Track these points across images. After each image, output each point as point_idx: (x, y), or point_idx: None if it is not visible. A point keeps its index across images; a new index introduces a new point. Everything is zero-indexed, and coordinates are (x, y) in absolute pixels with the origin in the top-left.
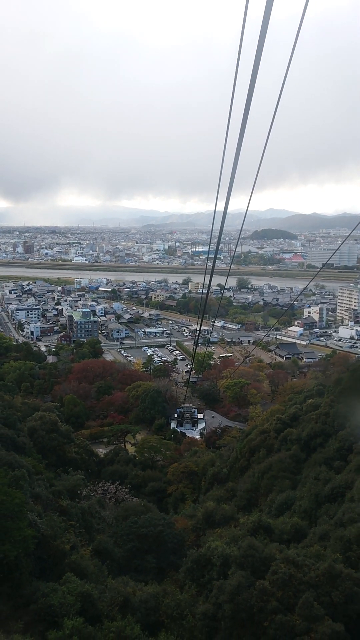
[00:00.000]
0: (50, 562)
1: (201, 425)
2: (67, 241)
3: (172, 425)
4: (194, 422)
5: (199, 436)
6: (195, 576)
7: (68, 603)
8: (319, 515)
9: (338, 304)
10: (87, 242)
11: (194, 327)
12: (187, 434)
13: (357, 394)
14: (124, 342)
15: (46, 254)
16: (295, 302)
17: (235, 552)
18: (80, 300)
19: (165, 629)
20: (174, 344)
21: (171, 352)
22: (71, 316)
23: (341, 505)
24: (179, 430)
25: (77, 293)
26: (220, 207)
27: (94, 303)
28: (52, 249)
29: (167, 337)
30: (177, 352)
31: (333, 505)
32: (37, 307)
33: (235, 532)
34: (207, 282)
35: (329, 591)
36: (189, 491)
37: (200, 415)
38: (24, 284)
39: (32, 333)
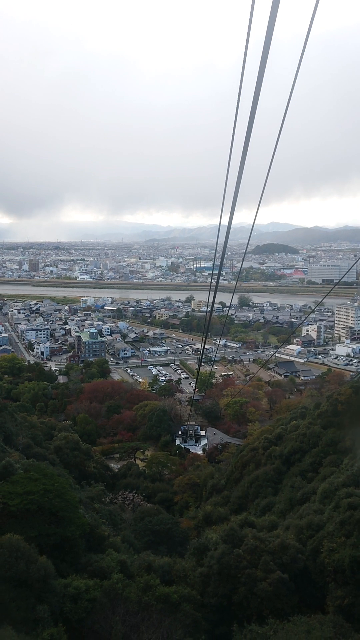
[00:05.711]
0: (95, 543)
1: (203, 442)
2: (71, 257)
3: (177, 441)
4: (197, 439)
5: (201, 452)
6: (196, 558)
7: (112, 566)
8: (290, 514)
9: (336, 321)
10: (91, 258)
11: (197, 346)
12: (190, 450)
13: (333, 418)
14: (130, 361)
15: (51, 271)
16: (294, 320)
17: (222, 534)
18: (86, 320)
19: (175, 584)
20: (178, 363)
21: (175, 371)
22: (79, 336)
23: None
24: (183, 446)
25: (83, 312)
26: (224, 221)
27: (100, 322)
28: (56, 266)
29: (171, 355)
30: (181, 370)
31: (302, 506)
32: (46, 327)
33: (227, 527)
34: (210, 300)
35: (281, 556)
36: (192, 500)
37: (202, 433)
38: (31, 303)
39: (42, 353)
